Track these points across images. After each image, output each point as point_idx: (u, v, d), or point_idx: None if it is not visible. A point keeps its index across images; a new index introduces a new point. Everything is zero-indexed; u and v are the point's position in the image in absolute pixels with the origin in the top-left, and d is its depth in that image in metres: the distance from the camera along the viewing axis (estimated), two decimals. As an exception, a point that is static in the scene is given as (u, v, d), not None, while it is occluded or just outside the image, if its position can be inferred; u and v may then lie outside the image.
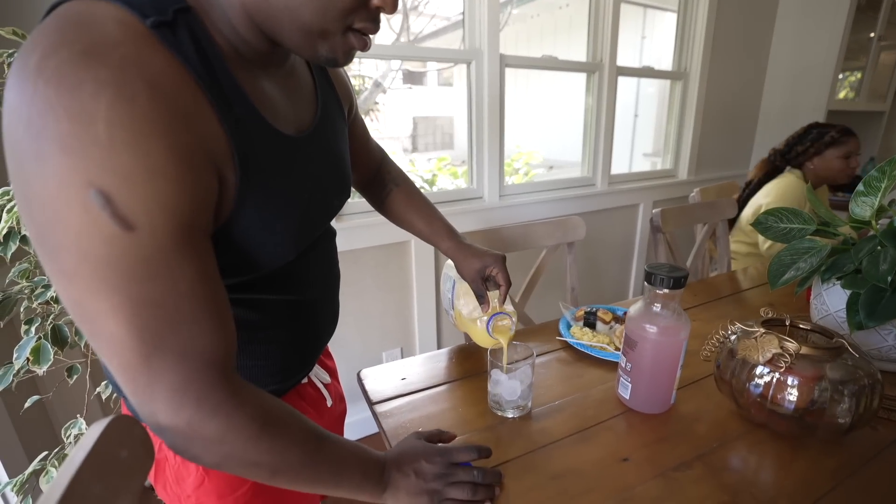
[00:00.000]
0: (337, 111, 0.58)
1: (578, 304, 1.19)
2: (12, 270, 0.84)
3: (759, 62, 2.53)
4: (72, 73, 0.29)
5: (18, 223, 0.72)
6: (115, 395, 0.93)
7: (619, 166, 2.33)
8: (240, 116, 0.39)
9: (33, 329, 0.78)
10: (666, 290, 0.62)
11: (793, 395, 0.57)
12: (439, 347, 1.76)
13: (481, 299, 0.74)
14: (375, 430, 1.65)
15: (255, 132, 0.41)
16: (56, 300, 0.79)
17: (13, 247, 0.75)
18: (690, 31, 2.24)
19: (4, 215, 0.71)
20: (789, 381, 0.57)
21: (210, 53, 0.37)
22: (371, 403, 0.70)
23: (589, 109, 2.02)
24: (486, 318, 0.72)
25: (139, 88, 0.30)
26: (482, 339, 0.76)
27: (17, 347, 0.76)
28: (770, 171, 1.65)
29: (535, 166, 2.92)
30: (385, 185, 0.78)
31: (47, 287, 0.81)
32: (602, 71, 1.92)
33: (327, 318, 0.62)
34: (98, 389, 0.92)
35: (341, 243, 0.70)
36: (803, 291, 0.87)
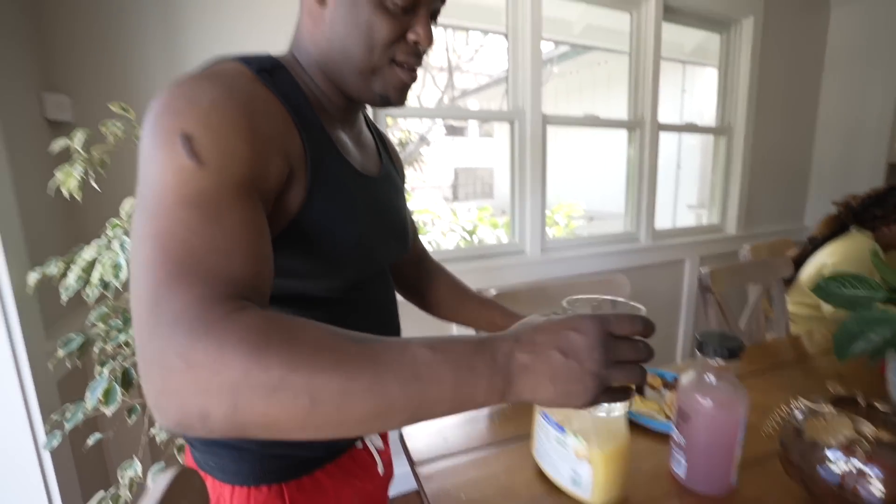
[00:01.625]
0: (398, 178, 0.65)
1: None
2: (92, 314, 0.92)
3: (808, 115, 2.48)
4: (197, 82, 0.39)
5: (108, 272, 0.80)
6: (169, 438, 0.97)
7: (662, 217, 2.28)
8: (316, 137, 0.48)
9: (106, 371, 0.84)
10: (720, 361, 0.60)
11: (878, 488, 0.52)
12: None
13: None
14: (413, 486, 1.60)
15: (327, 151, 0.49)
16: (128, 344, 0.85)
17: (97, 293, 0.83)
18: (733, 85, 2.25)
19: (98, 266, 0.79)
20: (871, 472, 0.53)
21: (297, 93, 0.48)
22: (413, 464, 0.70)
23: (631, 164, 2.03)
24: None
25: (240, 95, 0.40)
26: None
27: (89, 387, 0.82)
28: (838, 229, 1.55)
29: (575, 218, 2.92)
30: (428, 273, 0.80)
31: (121, 331, 0.88)
32: (643, 127, 1.95)
33: None
34: (153, 431, 0.96)
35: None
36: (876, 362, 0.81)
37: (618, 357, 0.35)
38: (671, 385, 0.90)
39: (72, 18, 1.09)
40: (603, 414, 0.49)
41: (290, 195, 0.44)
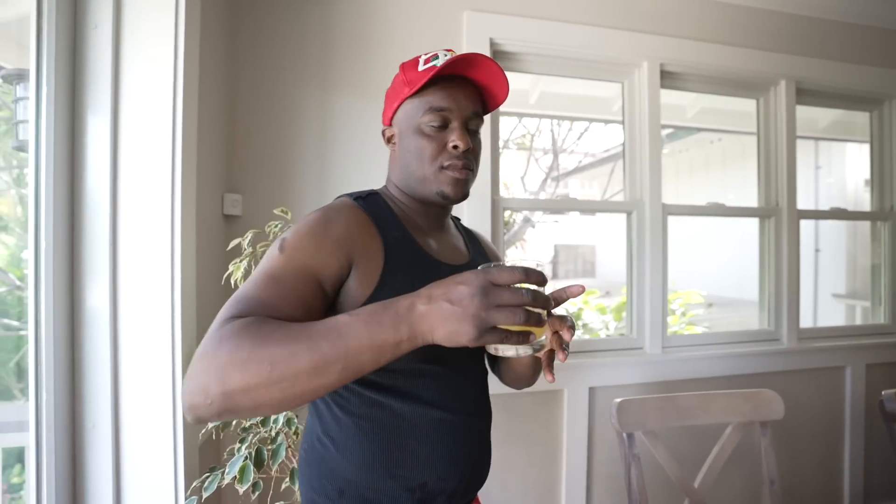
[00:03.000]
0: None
1: (784, 507, 0.94)
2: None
3: None
4: (313, 213, 0.60)
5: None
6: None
7: (803, 310, 1.93)
8: (395, 236, 0.62)
9: (244, 448, 0.91)
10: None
11: None
12: (587, 517, 1.53)
13: None
14: None
15: (405, 246, 0.62)
16: (264, 423, 0.92)
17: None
18: (891, 164, 1.96)
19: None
20: None
21: (384, 209, 0.65)
22: None
23: (765, 255, 1.82)
24: None
25: (329, 213, 0.59)
26: None
27: (229, 463, 0.89)
28: None
29: (693, 306, 2.66)
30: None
31: (259, 409, 0.95)
32: (780, 216, 1.76)
33: (464, 448, 0.63)
34: (272, 509, 1.00)
35: (494, 386, 0.73)
36: None
37: (497, 302, 0.42)
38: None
39: (252, 133, 1.34)
40: (511, 353, 0.49)
41: (366, 278, 0.57)
